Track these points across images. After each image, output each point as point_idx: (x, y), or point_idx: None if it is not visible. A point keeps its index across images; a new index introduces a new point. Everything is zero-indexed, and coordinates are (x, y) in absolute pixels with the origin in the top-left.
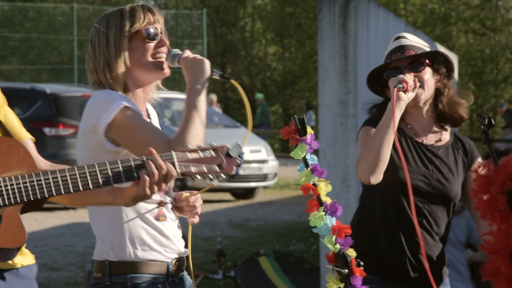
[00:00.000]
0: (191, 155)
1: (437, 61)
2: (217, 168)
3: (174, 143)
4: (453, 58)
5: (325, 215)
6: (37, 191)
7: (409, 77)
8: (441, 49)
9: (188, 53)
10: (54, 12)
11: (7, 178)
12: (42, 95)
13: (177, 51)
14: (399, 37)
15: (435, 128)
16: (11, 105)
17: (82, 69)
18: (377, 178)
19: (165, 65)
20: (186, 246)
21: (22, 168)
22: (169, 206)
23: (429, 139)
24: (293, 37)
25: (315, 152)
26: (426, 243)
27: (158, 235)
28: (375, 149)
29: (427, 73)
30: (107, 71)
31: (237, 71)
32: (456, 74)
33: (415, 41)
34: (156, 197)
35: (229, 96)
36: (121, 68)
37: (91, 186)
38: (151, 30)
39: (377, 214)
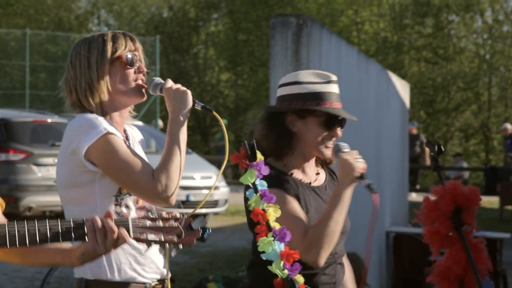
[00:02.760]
0: (150, 223)
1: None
2: (175, 239)
3: (157, 174)
4: (405, 86)
5: (273, 240)
6: None
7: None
8: (393, 77)
9: (170, 83)
10: (6, 37)
11: None
12: None
13: (159, 80)
14: (333, 81)
15: (315, 167)
16: None
17: (33, 94)
18: None
19: (144, 91)
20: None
21: None
22: None
23: (316, 179)
24: (246, 64)
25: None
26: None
27: (136, 254)
28: (335, 237)
29: None
30: (89, 94)
31: None
32: (407, 103)
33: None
34: (134, 216)
35: None
36: (103, 92)
37: (27, 244)
38: (132, 57)
39: None
